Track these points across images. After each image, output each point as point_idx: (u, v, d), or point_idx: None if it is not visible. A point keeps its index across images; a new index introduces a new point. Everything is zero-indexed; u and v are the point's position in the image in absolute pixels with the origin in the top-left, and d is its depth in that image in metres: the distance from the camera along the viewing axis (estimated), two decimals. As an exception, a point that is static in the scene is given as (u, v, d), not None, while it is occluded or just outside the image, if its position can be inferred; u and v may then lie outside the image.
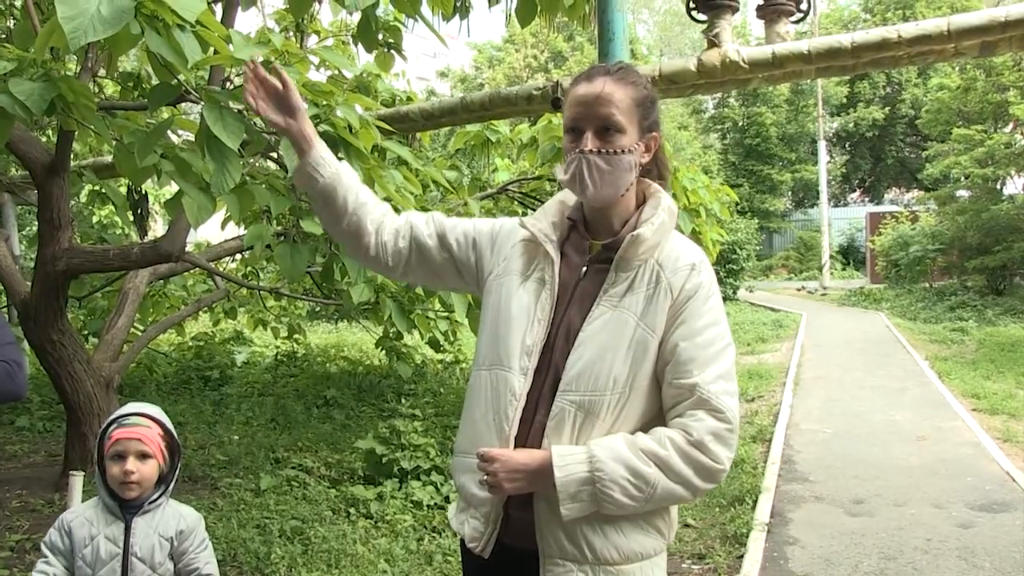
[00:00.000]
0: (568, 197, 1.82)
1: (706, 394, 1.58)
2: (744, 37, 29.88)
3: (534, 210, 1.97)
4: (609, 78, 1.68)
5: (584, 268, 1.73)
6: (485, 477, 1.62)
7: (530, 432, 1.66)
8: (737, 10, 4.93)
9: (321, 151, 1.81)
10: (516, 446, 1.65)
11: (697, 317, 1.63)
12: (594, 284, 1.70)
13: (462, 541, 1.77)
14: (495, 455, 1.61)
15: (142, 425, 2.10)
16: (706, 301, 1.65)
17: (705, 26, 4.90)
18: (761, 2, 4.97)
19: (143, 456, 2.08)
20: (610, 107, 1.65)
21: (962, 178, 18.05)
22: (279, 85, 1.78)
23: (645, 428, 1.63)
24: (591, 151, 1.65)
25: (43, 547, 2.13)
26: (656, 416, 1.66)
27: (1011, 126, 16.95)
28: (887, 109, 31.26)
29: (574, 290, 1.72)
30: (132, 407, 2.17)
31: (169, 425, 2.16)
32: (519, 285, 1.75)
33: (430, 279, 1.94)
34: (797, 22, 5.04)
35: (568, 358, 1.65)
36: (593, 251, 1.74)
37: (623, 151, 1.66)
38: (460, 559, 1.86)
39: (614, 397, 1.62)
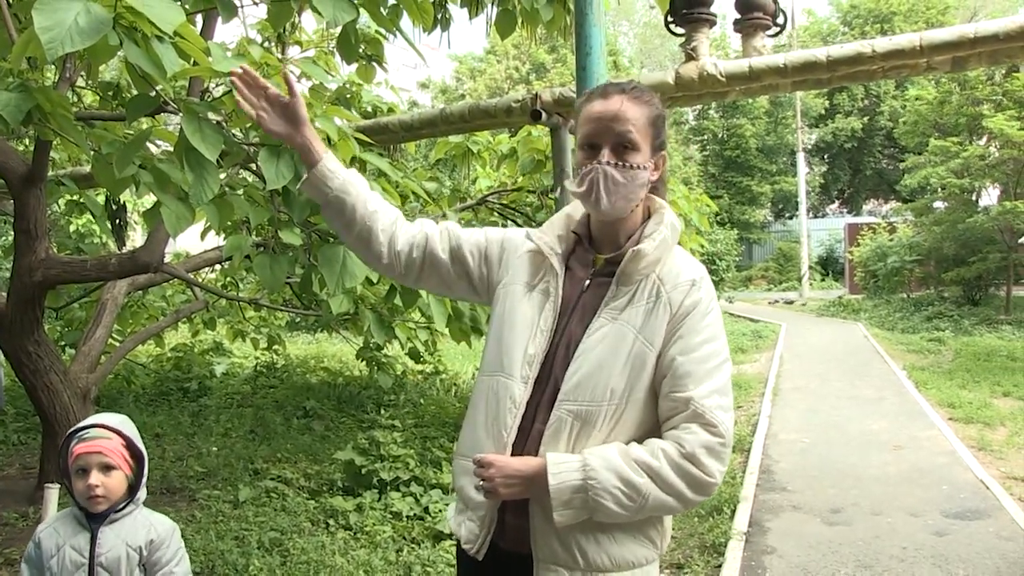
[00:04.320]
0: (575, 211, 1.85)
1: (700, 408, 1.61)
2: (723, 50, 30.10)
3: (514, 221, 2.00)
4: (625, 96, 1.71)
5: (587, 281, 1.77)
6: (482, 482, 1.65)
7: (528, 440, 1.70)
8: (715, 24, 4.96)
9: (328, 163, 1.82)
10: (514, 453, 1.69)
11: (695, 333, 1.66)
12: (596, 297, 1.73)
13: (458, 541, 1.81)
14: (491, 460, 1.65)
15: (102, 438, 2.09)
16: (704, 317, 1.68)
17: (683, 39, 4.94)
18: (738, 16, 5.01)
19: (106, 468, 2.07)
20: (627, 124, 1.69)
21: (939, 189, 18.24)
22: (285, 96, 1.80)
23: (641, 439, 1.66)
24: (608, 162, 1.68)
25: (22, 562, 2.13)
26: (652, 427, 1.69)
27: (985, 139, 17.17)
28: (865, 121, 31.62)
29: (576, 302, 1.75)
30: (92, 419, 2.15)
31: (129, 433, 2.14)
32: (524, 295, 1.78)
33: (441, 288, 1.97)
34: (774, 36, 5.09)
35: (568, 369, 1.68)
36: (597, 265, 1.78)
37: (638, 167, 1.70)
38: (456, 561, 1.89)
39: (611, 408, 1.65)
